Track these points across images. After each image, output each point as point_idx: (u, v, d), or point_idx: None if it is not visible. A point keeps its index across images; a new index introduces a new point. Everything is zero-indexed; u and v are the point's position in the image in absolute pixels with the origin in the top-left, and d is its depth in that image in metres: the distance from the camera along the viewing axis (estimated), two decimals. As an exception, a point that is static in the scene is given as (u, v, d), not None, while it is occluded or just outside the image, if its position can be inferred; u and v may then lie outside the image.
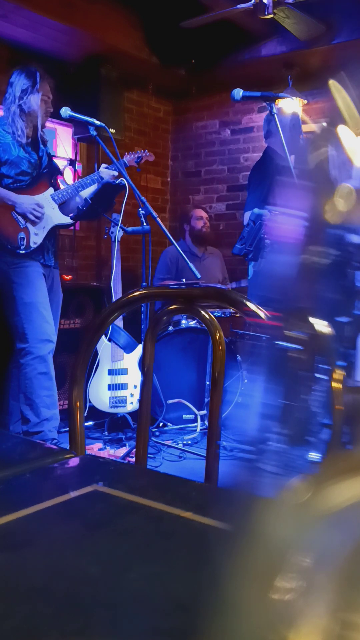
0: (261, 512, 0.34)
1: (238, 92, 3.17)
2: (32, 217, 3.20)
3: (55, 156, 3.64)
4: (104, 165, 3.50)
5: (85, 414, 3.62)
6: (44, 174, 3.36)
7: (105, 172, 3.44)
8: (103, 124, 3.38)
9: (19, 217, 3.21)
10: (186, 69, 5.14)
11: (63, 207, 3.41)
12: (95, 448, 3.49)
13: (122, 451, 3.40)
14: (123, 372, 3.74)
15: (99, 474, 0.98)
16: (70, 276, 4.39)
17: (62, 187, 3.45)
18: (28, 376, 3.18)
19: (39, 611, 0.58)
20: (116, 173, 3.43)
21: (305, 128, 4.00)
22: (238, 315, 3.40)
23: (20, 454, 1.16)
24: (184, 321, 3.94)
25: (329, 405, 0.61)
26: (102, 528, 0.77)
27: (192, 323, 3.93)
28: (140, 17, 4.61)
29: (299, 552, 0.31)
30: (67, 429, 1.20)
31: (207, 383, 3.91)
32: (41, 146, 3.37)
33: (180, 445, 3.55)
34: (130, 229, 3.64)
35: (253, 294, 3.73)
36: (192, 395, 3.91)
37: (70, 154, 4.88)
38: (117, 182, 3.42)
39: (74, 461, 1.06)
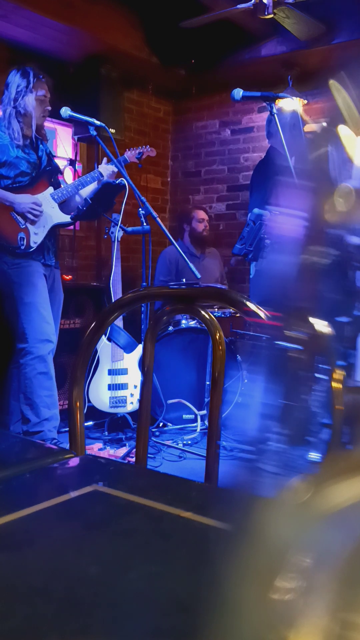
0: (261, 512, 0.34)
1: (238, 92, 3.17)
2: (31, 216, 3.19)
3: (55, 156, 3.64)
4: (104, 161, 3.49)
5: (85, 414, 3.62)
6: (44, 173, 3.35)
7: (105, 167, 3.43)
8: (103, 124, 3.37)
9: (19, 217, 3.21)
10: (186, 69, 5.14)
11: (63, 206, 3.41)
12: (95, 448, 3.49)
13: (122, 451, 3.40)
14: (123, 372, 3.74)
15: (99, 474, 0.98)
16: (70, 276, 4.39)
17: (62, 186, 3.45)
18: (28, 376, 3.18)
19: (39, 611, 0.58)
20: (115, 169, 3.42)
21: (305, 128, 3.99)
22: (238, 315, 3.40)
23: (20, 454, 1.16)
24: (184, 321, 3.94)
25: (329, 405, 0.61)
26: (102, 528, 0.77)
27: (192, 323, 3.93)
28: (140, 17, 4.61)
29: (299, 552, 0.31)
30: (67, 429, 1.20)
31: (207, 383, 3.91)
32: (41, 146, 3.36)
33: (180, 445, 3.55)
34: (130, 229, 3.64)
35: (254, 294, 3.73)
36: (192, 395, 3.91)
37: (70, 154, 4.88)
38: (117, 182, 3.42)
39: (74, 461, 1.06)
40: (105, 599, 0.60)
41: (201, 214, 4.76)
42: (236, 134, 5.55)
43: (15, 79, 3.21)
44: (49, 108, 3.29)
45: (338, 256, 0.55)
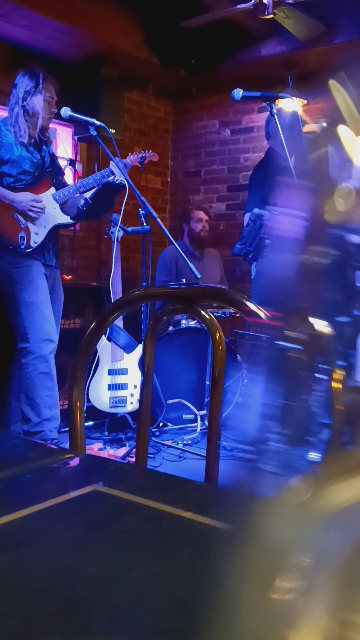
0: (261, 512, 0.34)
1: (238, 92, 3.17)
2: (32, 214, 3.20)
3: (56, 157, 3.64)
4: (111, 163, 3.49)
5: (85, 414, 3.62)
6: (46, 173, 3.36)
7: (114, 167, 3.43)
8: (103, 124, 3.38)
9: (19, 216, 3.21)
10: (186, 69, 5.14)
11: (65, 206, 3.41)
12: (95, 448, 3.49)
13: (122, 451, 3.40)
14: (123, 372, 3.74)
15: (99, 474, 0.98)
16: (70, 276, 4.38)
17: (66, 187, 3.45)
18: (29, 376, 3.18)
19: (39, 611, 0.58)
20: (117, 170, 3.43)
21: (305, 128, 4.00)
22: (238, 315, 3.40)
23: (20, 454, 1.16)
24: (184, 321, 3.94)
25: (329, 405, 0.61)
26: (102, 528, 0.77)
27: (192, 323, 3.93)
28: (140, 17, 4.60)
29: (299, 552, 0.31)
30: (67, 429, 1.20)
31: (207, 383, 3.91)
32: (44, 146, 3.37)
33: (180, 445, 3.55)
34: (130, 229, 3.64)
35: (255, 294, 3.73)
36: (192, 395, 3.91)
37: (70, 154, 4.88)
38: (117, 182, 3.42)
39: (74, 461, 1.06)
40: (105, 599, 0.60)
41: (200, 214, 4.76)
42: (236, 134, 5.55)
43: (23, 80, 3.24)
44: (55, 110, 3.32)
45: (338, 256, 0.55)
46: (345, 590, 0.31)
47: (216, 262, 4.87)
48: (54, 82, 3.32)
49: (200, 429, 3.79)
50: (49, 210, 3.31)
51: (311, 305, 0.53)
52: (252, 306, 1.08)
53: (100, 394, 3.70)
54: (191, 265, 3.31)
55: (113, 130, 3.89)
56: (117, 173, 3.42)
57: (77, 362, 1.23)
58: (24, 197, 3.21)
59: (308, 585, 0.31)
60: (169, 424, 3.87)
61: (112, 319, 1.29)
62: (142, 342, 2.95)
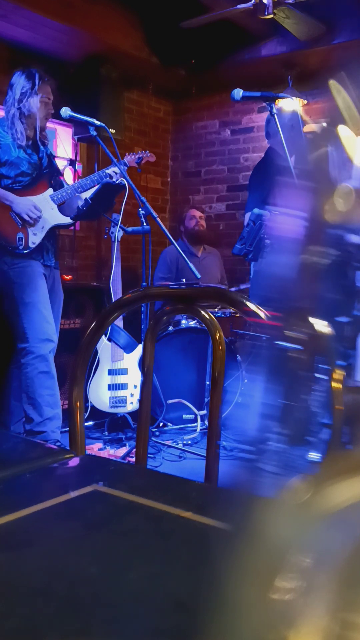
0: (261, 512, 0.34)
1: (238, 92, 3.17)
2: (28, 219, 3.20)
3: (55, 156, 3.64)
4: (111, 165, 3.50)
5: (86, 414, 3.63)
6: (44, 174, 3.36)
7: (112, 170, 3.43)
8: (103, 124, 3.38)
9: (17, 218, 3.21)
10: (186, 69, 5.14)
11: (63, 207, 3.41)
12: (95, 448, 3.49)
13: (122, 451, 3.40)
14: (123, 372, 3.74)
15: (99, 474, 0.98)
16: (70, 276, 4.39)
17: (64, 187, 3.45)
18: (29, 376, 3.18)
19: (39, 611, 0.58)
20: (118, 170, 3.43)
21: (305, 128, 3.99)
22: (238, 315, 3.40)
23: (20, 454, 1.16)
24: (184, 321, 3.94)
25: (329, 405, 0.61)
26: (102, 528, 0.77)
27: (192, 323, 3.93)
28: (140, 17, 4.60)
29: (299, 552, 0.31)
30: (67, 429, 1.20)
31: (207, 383, 3.91)
32: (41, 147, 3.37)
33: (180, 445, 3.55)
34: (130, 229, 3.64)
35: (254, 294, 3.73)
36: (192, 395, 3.91)
37: (70, 154, 4.88)
38: (117, 182, 3.42)
39: (74, 461, 1.06)
40: (105, 599, 0.60)
41: (192, 212, 4.78)
42: (236, 134, 5.55)
43: (20, 81, 3.21)
44: (52, 111, 3.31)
45: (338, 256, 0.55)
46: (345, 590, 0.31)
47: (216, 262, 4.87)
48: (51, 82, 3.30)
49: (200, 429, 3.79)
50: (47, 211, 3.30)
51: (311, 305, 0.53)
52: (252, 306, 1.08)
53: (100, 394, 3.70)
54: (191, 265, 3.31)
55: (113, 130, 3.89)
56: (115, 175, 3.42)
57: (77, 362, 1.23)
58: (23, 201, 3.21)
59: (308, 585, 0.31)
60: (169, 424, 3.87)
61: (112, 319, 1.29)
62: (142, 342, 2.95)
